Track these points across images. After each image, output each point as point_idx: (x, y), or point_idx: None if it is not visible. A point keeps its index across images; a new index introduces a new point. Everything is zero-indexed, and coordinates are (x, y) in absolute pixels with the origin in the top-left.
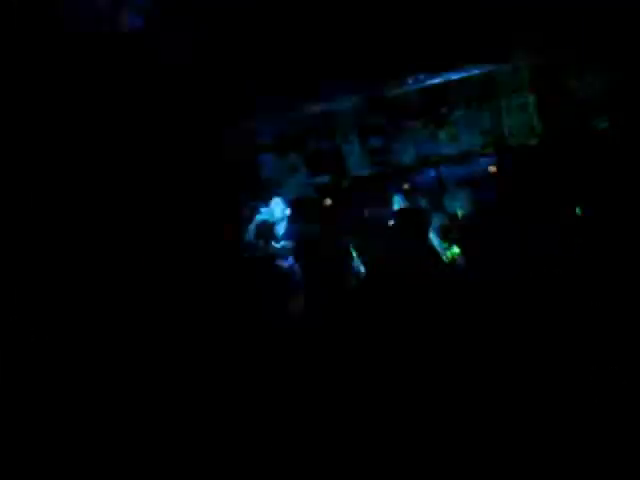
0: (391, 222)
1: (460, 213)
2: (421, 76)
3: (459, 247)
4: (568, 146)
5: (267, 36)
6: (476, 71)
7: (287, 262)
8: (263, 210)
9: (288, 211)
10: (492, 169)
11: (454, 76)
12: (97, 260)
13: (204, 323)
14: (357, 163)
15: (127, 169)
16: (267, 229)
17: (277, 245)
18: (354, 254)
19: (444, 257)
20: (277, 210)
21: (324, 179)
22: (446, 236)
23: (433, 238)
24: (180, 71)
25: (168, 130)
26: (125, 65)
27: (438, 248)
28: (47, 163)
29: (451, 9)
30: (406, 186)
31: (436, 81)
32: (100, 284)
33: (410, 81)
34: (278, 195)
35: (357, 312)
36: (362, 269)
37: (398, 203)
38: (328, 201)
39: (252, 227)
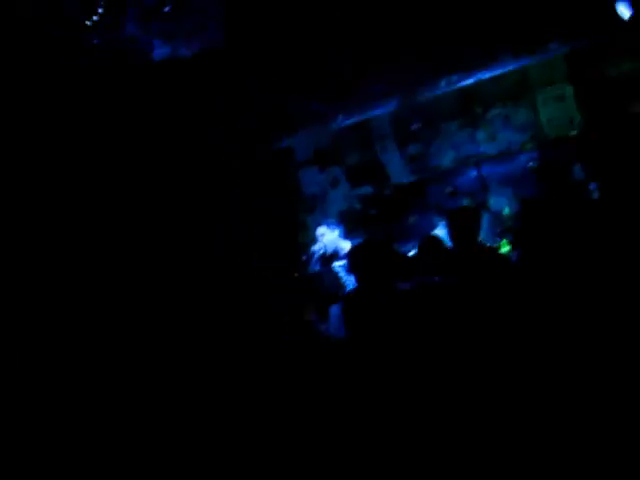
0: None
1: (507, 211)
2: (454, 77)
3: (510, 244)
4: (610, 136)
5: (296, 50)
6: (509, 67)
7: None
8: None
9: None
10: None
11: (486, 74)
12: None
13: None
14: (397, 171)
15: (170, 192)
16: (330, 257)
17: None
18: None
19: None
20: (331, 237)
21: (366, 190)
22: (496, 235)
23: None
24: (213, 94)
25: (205, 151)
26: (162, 84)
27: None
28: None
29: (477, 5)
30: (449, 189)
31: (469, 81)
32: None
33: (443, 83)
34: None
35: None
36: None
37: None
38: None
39: (315, 259)
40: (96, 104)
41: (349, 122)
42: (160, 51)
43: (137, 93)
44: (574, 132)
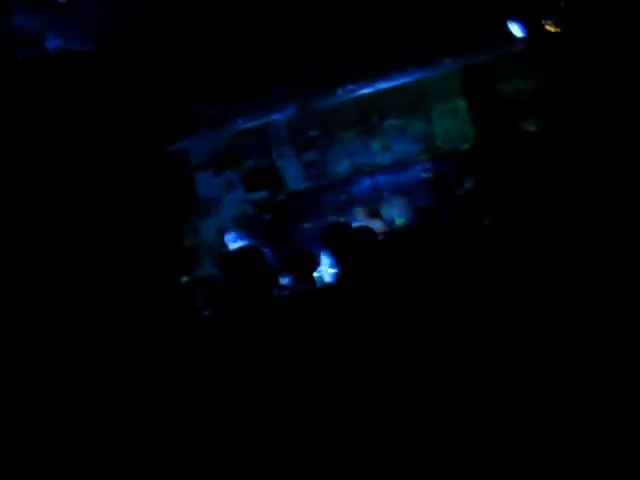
0: None
1: (398, 221)
2: (350, 86)
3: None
4: (500, 149)
5: (197, 52)
6: (405, 79)
7: None
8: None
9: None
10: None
11: (383, 85)
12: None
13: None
14: (293, 177)
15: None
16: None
17: None
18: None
19: None
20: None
21: (261, 195)
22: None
23: None
24: (110, 91)
25: (100, 153)
26: (55, 84)
27: None
28: None
29: (377, 16)
30: (344, 197)
31: (366, 91)
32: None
33: (340, 92)
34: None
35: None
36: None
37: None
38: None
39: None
40: None
41: (246, 126)
42: (52, 43)
43: (23, 88)
44: (467, 145)
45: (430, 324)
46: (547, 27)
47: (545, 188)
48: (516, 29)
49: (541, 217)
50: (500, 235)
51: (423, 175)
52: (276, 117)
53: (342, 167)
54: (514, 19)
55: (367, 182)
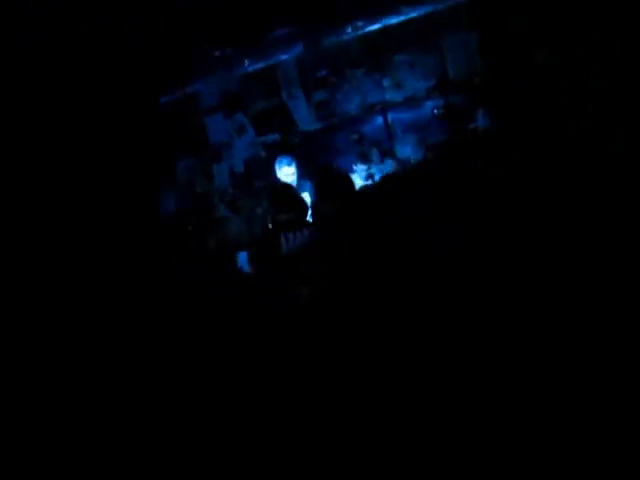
0: None
1: (412, 158)
2: (359, 23)
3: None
4: (512, 81)
5: None
6: (415, 13)
7: None
8: None
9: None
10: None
11: (393, 20)
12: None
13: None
14: (304, 118)
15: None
16: None
17: None
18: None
19: None
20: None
21: (273, 137)
22: None
23: None
24: (117, 36)
25: (108, 98)
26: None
27: None
28: None
29: None
30: (355, 136)
31: (375, 27)
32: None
33: (349, 29)
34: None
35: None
36: None
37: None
38: None
39: None
40: None
41: (255, 67)
42: None
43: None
44: (479, 79)
45: (442, 280)
46: None
47: (557, 123)
48: None
49: (553, 155)
50: (512, 179)
51: (435, 111)
52: (284, 57)
53: (353, 106)
54: None
55: (379, 120)
